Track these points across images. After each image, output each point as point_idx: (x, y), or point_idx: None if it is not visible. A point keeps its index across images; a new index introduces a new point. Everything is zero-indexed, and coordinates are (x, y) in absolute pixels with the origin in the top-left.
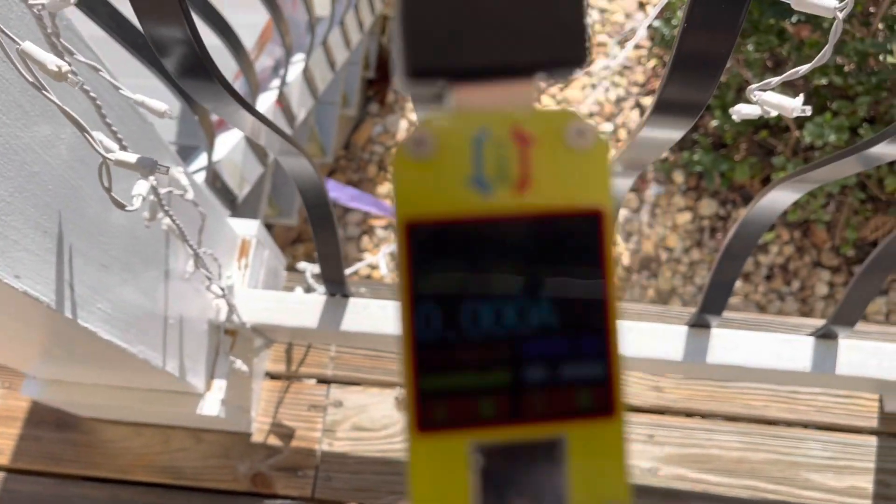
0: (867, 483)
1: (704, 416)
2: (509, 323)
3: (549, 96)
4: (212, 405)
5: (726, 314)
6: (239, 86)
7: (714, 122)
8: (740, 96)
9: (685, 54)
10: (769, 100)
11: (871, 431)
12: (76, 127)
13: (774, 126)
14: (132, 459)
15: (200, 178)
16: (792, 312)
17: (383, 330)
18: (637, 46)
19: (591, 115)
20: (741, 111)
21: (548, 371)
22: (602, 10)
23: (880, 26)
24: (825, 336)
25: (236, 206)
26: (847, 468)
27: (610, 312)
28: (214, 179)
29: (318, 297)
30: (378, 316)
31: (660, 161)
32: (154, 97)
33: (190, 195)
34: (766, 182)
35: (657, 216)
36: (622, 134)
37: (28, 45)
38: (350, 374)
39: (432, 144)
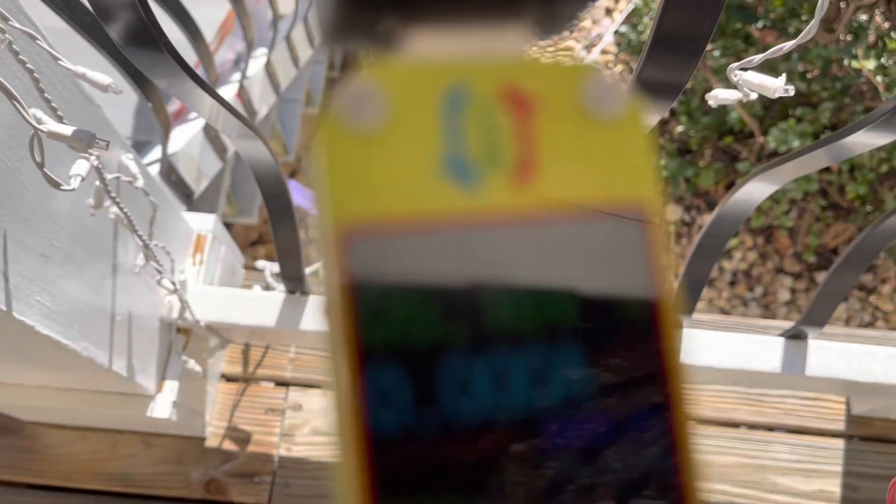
0: (835, 487)
1: None
2: (519, 394)
3: None
4: (162, 407)
5: (696, 316)
6: None
7: (679, 128)
8: (706, 103)
9: (664, 33)
10: (750, 80)
11: (838, 434)
12: (3, 93)
13: (739, 132)
14: (78, 466)
15: (155, 170)
16: (755, 318)
17: None
18: (604, 52)
19: None
20: (718, 96)
21: (589, 475)
22: None
23: (843, 36)
24: (795, 336)
25: (193, 202)
26: (815, 471)
27: (670, 367)
28: (170, 172)
29: (277, 295)
30: None
31: None
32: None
33: (140, 183)
34: (731, 188)
35: None
36: None
37: None
38: (310, 376)
39: (380, 107)
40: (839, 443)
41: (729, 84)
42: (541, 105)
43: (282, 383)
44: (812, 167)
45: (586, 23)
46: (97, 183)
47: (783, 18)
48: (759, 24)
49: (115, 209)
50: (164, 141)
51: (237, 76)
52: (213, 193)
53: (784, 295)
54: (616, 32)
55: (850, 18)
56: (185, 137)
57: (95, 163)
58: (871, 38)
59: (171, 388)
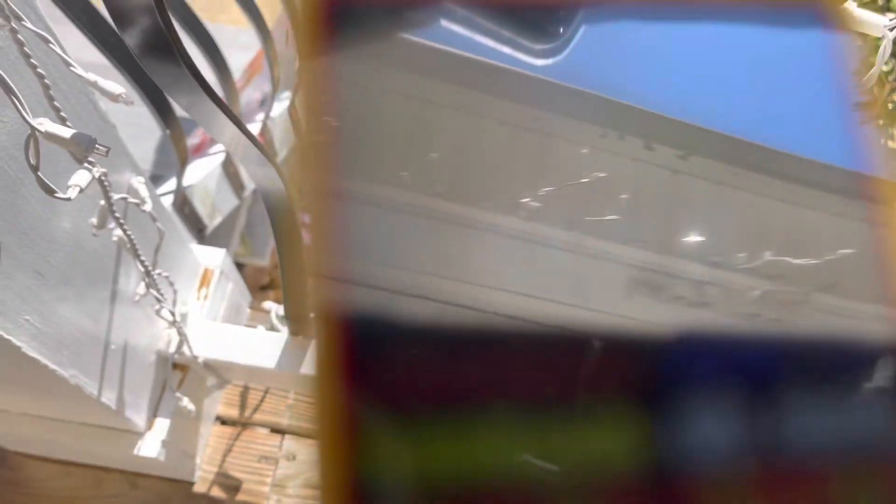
0: None
1: None
2: None
3: None
4: (151, 446)
5: None
6: None
7: None
8: None
9: None
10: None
11: None
12: (2, 87)
13: None
14: (60, 502)
15: (168, 201)
16: None
17: None
18: None
19: None
20: None
21: None
22: None
23: None
24: None
25: (205, 237)
26: None
27: None
28: (183, 204)
29: (280, 336)
30: None
31: None
32: (142, 123)
33: (147, 206)
34: None
35: None
36: None
37: None
38: (307, 424)
39: None
40: None
41: None
42: None
43: (278, 430)
44: None
45: None
46: (102, 202)
47: None
48: None
49: (118, 231)
50: (180, 171)
51: (261, 116)
52: (226, 231)
53: None
54: None
55: None
56: (202, 171)
57: (98, 175)
58: None
59: (163, 426)
